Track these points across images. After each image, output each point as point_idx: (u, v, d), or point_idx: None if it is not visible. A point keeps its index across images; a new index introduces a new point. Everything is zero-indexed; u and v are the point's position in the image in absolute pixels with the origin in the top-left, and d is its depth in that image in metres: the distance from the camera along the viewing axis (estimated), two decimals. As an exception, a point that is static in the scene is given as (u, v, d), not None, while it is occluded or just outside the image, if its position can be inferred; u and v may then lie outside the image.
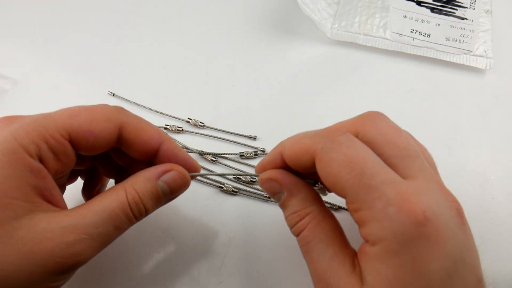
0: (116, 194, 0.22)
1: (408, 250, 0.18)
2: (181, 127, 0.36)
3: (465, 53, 0.40)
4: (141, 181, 0.23)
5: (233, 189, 0.32)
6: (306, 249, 0.22)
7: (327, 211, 0.23)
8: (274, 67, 0.41)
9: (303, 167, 0.22)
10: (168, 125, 0.36)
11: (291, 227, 0.23)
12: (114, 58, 0.41)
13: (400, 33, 0.41)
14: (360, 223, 0.19)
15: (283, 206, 0.23)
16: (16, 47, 0.43)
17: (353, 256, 0.20)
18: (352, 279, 0.19)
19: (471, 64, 0.40)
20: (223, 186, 0.32)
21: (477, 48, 0.40)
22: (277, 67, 0.41)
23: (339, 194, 0.20)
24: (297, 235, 0.22)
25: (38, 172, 0.21)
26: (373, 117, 0.22)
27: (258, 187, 0.33)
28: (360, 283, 0.19)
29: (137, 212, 0.23)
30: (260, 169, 0.25)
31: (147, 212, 0.23)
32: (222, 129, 0.36)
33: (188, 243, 0.30)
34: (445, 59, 0.40)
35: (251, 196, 0.32)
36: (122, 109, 0.24)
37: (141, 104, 0.37)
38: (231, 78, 0.40)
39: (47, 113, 0.23)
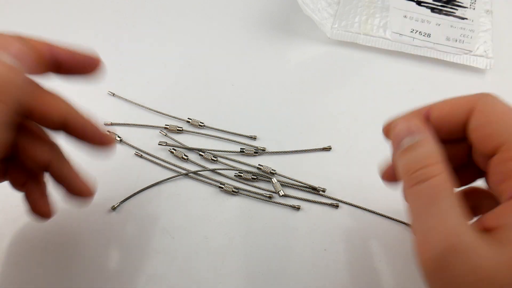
0: None
1: None
2: (181, 127, 0.36)
3: (465, 53, 0.40)
4: None
5: (233, 189, 0.32)
6: (434, 199, 0.19)
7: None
8: (274, 67, 0.41)
9: (451, 123, 0.22)
10: (168, 125, 0.36)
11: (416, 170, 0.20)
12: (114, 58, 0.41)
13: (400, 33, 0.41)
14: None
15: (410, 149, 0.21)
16: (16, 47, 0.43)
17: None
18: (487, 241, 0.18)
19: (471, 64, 0.40)
20: (223, 186, 0.32)
21: (477, 48, 0.40)
22: (277, 67, 0.41)
23: (491, 144, 0.20)
24: (421, 179, 0.20)
25: None
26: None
27: (259, 186, 0.33)
28: (496, 246, 0.18)
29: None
30: (390, 125, 0.23)
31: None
32: (222, 129, 0.36)
33: (188, 243, 0.30)
34: (445, 59, 0.40)
35: (251, 196, 0.32)
36: (22, 37, 0.23)
37: (141, 104, 0.37)
38: (231, 78, 0.40)
39: None
